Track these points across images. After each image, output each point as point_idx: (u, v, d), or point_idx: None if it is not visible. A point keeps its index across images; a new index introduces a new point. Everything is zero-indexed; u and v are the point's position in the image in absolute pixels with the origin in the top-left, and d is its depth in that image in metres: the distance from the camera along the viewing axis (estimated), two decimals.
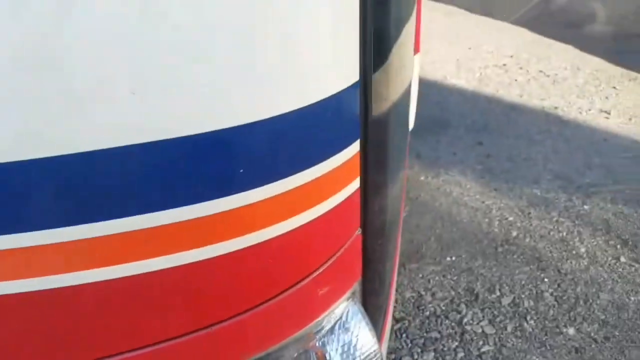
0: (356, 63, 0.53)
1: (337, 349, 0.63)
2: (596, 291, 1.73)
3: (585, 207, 2.15)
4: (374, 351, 0.65)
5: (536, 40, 4.14)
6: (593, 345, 1.55)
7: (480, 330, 1.61)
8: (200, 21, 0.39)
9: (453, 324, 1.64)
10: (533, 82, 3.38)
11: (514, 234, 2.02)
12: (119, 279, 0.44)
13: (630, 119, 2.84)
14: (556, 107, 3.02)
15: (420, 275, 1.84)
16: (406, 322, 1.66)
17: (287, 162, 0.48)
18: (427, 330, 1.63)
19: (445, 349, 1.56)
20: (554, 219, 2.09)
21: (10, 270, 0.41)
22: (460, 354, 1.54)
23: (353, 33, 0.52)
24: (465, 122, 2.86)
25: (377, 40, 0.56)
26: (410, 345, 1.58)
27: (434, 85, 3.39)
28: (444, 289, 1.78)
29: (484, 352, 1.54)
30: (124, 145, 0.39)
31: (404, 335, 1.62)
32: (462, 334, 1.60)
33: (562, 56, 3.76)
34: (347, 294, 0.64)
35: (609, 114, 2.91)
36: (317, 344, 0.62)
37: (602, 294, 1.72)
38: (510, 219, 2.11)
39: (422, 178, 2.39)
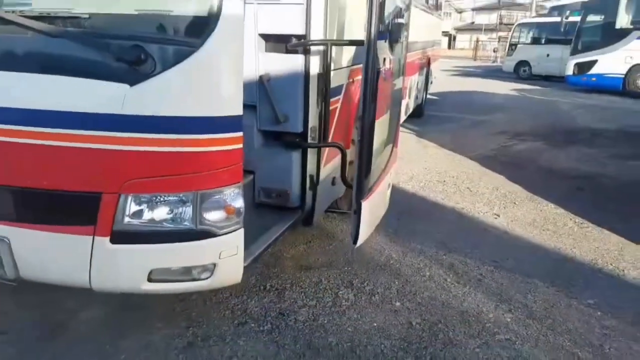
0: (240, 107, 1.95)
1: (229, 199, 1.98)
2: (422, 290, 2.91)
3: (444, 257, 3.36)
4: (241, 207, 2.00)
5: (478, 169, 5.53)
6: (404, 314, 2.70)
7: (347, 297, 2.80)
8: None
9: (332, 293, 2.84)
10: (458, 193, 4.71)
11: (391, 262, 3.24)
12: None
13: (512, 221, 4.07)
14: (463, 208, 4.31)
15: (323, 276, 3.06)
16: (300, 286, 2.87)
17: (204, 129, 1.89)
18: (311, 294, 2.83)
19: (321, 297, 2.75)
20: (420, 259, 3.30)
21: None
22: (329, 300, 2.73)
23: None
24: (395, 208, 4.16)
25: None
26: (301, 296, 2.78)
27: None
28: (333, 280, 2.98)
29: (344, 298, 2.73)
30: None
31: (295, 294, 2.82)
32: (335, 298, 2.80)
33: (490, 181, 5.10)
34: (237, 184, 2.00)
35: (498, 216, 4.17)
36: (223, 196, 1.97)
37: (425, 292, 2.89)
38: (394, 256, 3.33)
39: (345, 226, 3.66)
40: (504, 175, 5.32)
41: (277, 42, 2.74)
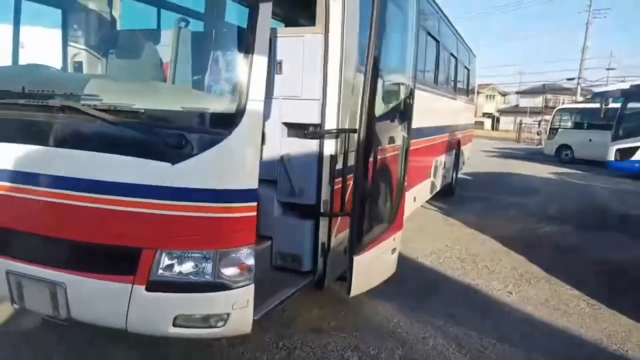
0: (256, 181, 2.41)
1: (242, 258, 2.39)
2: (424, 358, 3.11)
3: (450, 328, 3.55)
4: (252, 265, 2.40)
5: (500, 249, 5.69)
6: None
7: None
8: None
9: (338, 355, 3.10)
10: (475, 270, 4.90)
11: (398, 330, 3.47)
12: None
13: (524, 299, 4.22)
14: (477, 285, 4.49)
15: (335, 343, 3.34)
16: (309, 347, 3.15)
17: (227, 199, 2.34)
18: (319, 355, 3.10)
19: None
20: (427, 329, 3.51)
21: None
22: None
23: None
24: (411, 280, 4.41)
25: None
26: (309, 355, 3.05)
27: (406, 259, 5.01)
28: (341, 343, 3.25)
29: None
30: None
31: (304, 353, 3.09)
32: None
33: (510, 261, 5.25)
34: (250, 245, 2.41)
35: (511, 294, 4.32)
36: (238, 255, 2.38)
37: None
38: (402, 324, 3.56)
39: (364, 299, 3.93)
40: (524, 256, 5.45)
41: (297, 129, 3.26)
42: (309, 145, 3.18)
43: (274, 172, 3.24)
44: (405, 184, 4.11)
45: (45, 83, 2.55)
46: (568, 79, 37.94)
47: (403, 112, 3.88)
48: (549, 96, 48.97)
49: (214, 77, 2.59)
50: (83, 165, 2.41)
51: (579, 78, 33.98)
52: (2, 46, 3.22)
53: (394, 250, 3.95)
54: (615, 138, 14.37)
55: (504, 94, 56.74)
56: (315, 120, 3.14)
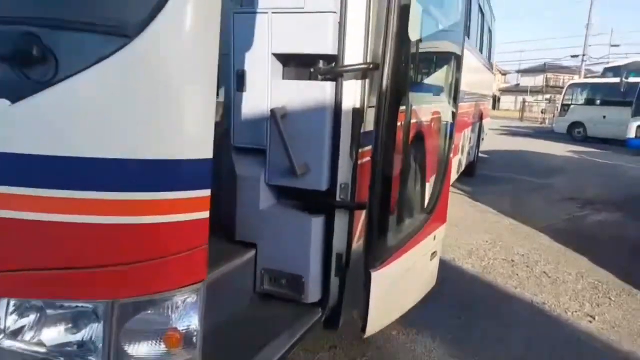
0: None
1: (174, 317, 1.06)
2: None
3: None
4: (195, 330, 1.08)
5: (552, 247, 4.43)
6: None
7: None
8: None
9: None
10: (533, 279, 3.63)
11: None
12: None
13: (612, 327, 2.96)
14: (544, 303, 3.21)
15: None
16: None
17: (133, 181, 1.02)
18: None
19: None
20: None
21: None
22: None
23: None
24: (452, 297, 3.14)
25: None
26: None
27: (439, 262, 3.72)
28: None
29: None
30: None
31: None
32: None
33: (571, 264, 3.99)
34: (195, 285, 1.10)
35: (593, 319, 3.05)
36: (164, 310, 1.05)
37: None
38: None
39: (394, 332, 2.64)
40: (586, 256, 4.18)
41: (298, 65, 1.91)
42: (319, 93, 1.84)
43: (259, 137, 1.92)
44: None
45: None
46: (572, 56, 36.38)
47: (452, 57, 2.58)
48: (549, 75, 47.63)
49: None
50: None
51: (583, 55, 32.50)
52: None
53: (433, 254, 2.70)
54: (636, 114, 13.33)
55: (504, 73, 55.31)
56: (329, 49, 1.79)
